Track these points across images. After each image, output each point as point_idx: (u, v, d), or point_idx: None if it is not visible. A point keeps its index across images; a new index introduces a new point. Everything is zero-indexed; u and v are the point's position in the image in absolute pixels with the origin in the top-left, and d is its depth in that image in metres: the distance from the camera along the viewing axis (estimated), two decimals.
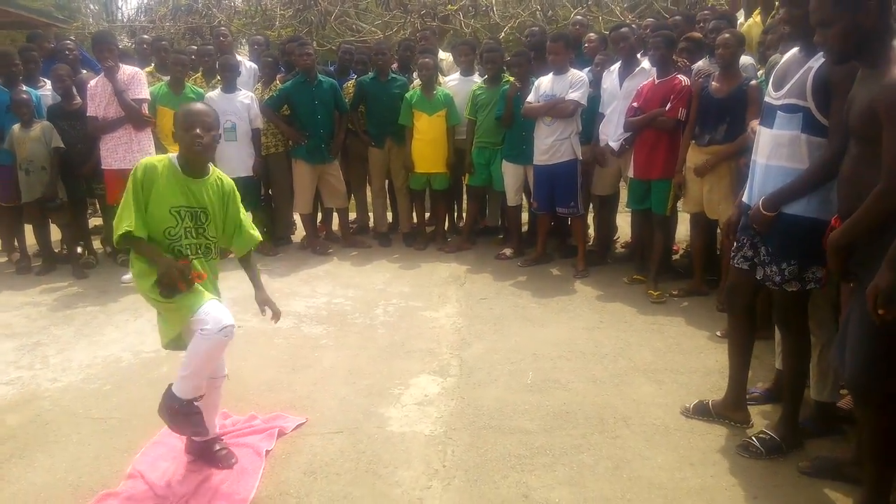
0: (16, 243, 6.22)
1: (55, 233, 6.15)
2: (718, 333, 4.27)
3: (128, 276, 5.60)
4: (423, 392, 3.65)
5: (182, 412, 2.74)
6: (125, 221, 2.69)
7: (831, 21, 2.37)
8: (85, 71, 6.40)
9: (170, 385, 2.80)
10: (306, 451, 3.10)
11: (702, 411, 3.33)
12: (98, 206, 6.45)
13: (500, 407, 3.46)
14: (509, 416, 3.37)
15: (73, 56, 6.37)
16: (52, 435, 3.27)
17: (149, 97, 5.66)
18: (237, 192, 3.03)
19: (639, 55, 5.48)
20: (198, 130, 2.73)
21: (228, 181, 2.97)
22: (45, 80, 6.10)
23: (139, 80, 5.54)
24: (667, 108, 4.90)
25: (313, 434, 3.25)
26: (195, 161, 2.82)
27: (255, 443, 3.13)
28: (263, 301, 3.23)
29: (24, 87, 5.74)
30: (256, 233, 3.15)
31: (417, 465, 2.97)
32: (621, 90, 5.38)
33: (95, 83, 5.54)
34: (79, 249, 6.13)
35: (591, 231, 6.41)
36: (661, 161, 5.01)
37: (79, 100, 5.80)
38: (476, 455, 3.04)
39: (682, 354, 4.08)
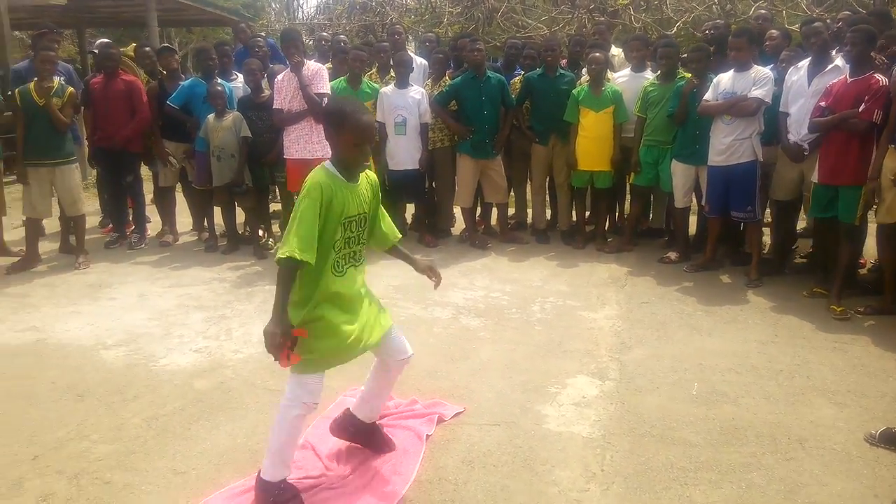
0: (205, 224, 6.81)
1: (240, 216, 6.66)
2: None
3: None
4: (581, 393, 3.60)
5: (275, 501, 2.63)
6: (302, 244, 2.48)
7: None
8: (273, 66, 6.87)
9: (258, 473, 2.71)
10: (464, 440, 3.16)
11: (890, 440, 3.04)
12: (278, 192, 6.89)
13: (662, 416, 3.34)
14: (672, 426, 3.25)
15: (262, 52, 6.85)
16: (234, 402, 3.56)
17: (330, 91, 5.98)
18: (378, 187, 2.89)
19: (832, 52, 5.07)
20: (368, 148, 2.64)
21: (373, 175, 2.85)
22: (238, 73, 6.61)
23: (322, 76, 5.87)
24: (860, 109, 4.50)
25: (471, 424, 3.30)
26: (357, 171, 2.69)
27: (416, 426, 3.23)
28: (424, 268, 3.06)
29: (219, 80, 6.25)
30: (395, 228, 3.04)
31: (575, 466, 2.94)
32: (809, 88, 5.01)
33: (282, 77, 5.94)
34: (260, 232, 6.60)
35: (767, 238, 6.02)
36: (851, 166, 4.61)
37: (267, 92, 6.23)
38: (636, 463, 2.96)
39: (867, 376, 3.75)
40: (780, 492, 2.75)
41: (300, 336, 2.58)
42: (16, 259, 6.07)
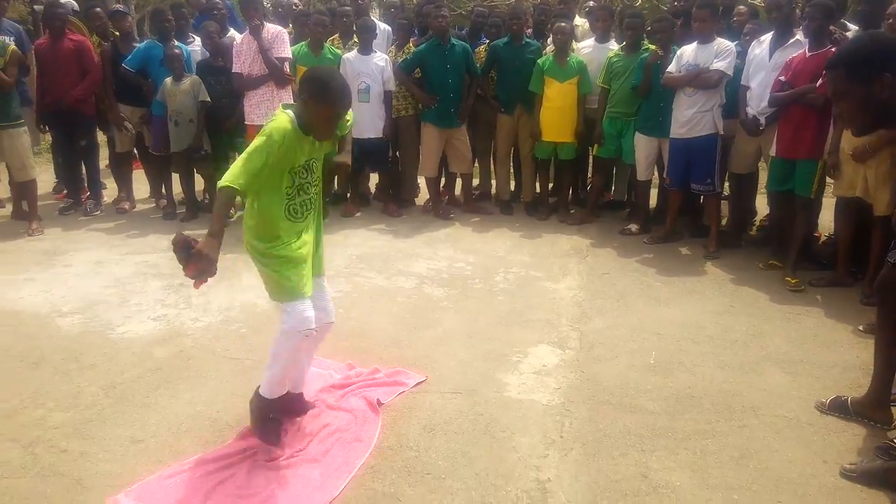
0: (163, 190, 6.66)
1: (199, 182, 6.53)
2: (861, 328, 4.00)
3: None
4: (542, 362, 3.64)
5: (261, 416, 2.89)
6: (240, 177, 2.55)
7: (845, 94, 2.19)
8: (231, 29, 6.70)
9: (258, 388, 2.93)
10: (426, 408, 3.17)
11: (839, 408, 3.14)
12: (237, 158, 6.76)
13: (620, 384, 3.40)
14: (630, 394, 3.31)
15: (221, 14, 6.67)
16: (194, 370, 3.52)
17: (291, 56, 5.86)
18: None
19: (795, 29, 5.12)
20: (337, 127, 2.74)
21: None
22: (195, 35, 6.43)
23: (283, 39, 5.75)
24: (818, 84, 4.56)
25: (433, 392, 3.32)
26: (318, 138, 2.75)
27: (376, 395, 3.24)
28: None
29: (176, 43, 6.08)
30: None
31: (535, 432, 2.98)
32: (770, 61, 5.05)
33: (241, 41, 5.80)
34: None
35: (725, 211, 6.12)
36: (808, 140, 4.69)
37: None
38: (595, 429, 3.01)
39: (819, 346, 3.85)
40: (732, 458, 2.83)
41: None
42: None
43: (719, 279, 4.91)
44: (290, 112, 2.72)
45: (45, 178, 7.11)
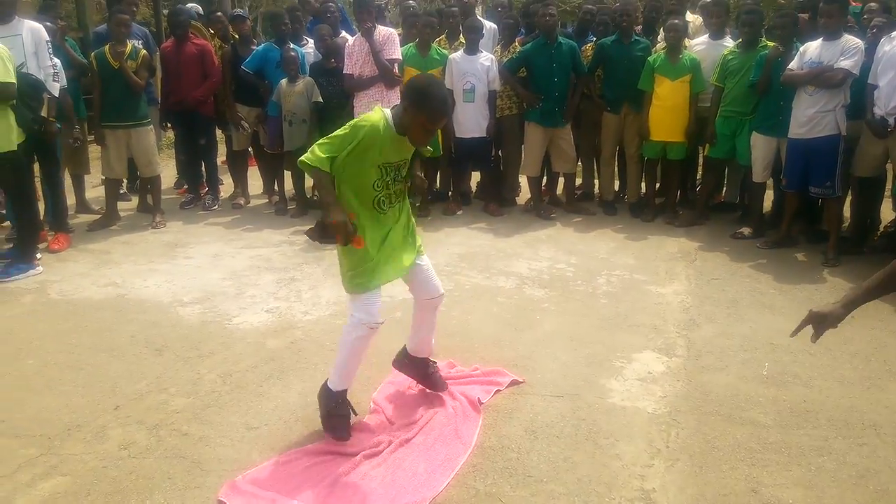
0: (275, 187, 6.95)
1: (309, 180, 6.74)
2: None
3: None
4: (647, 369, 3.57)
5: (329, 409, 2.97)
6: (318, 156, 2.71)
7: None
8: (344, 31, 6.89)
9: (326, 381, 3.01)
10: (527, 410, 3.18)
11: None
12: None
13: (730, 395, 3.29)
14: (741, 406, 3.19)
15: (333, 17, 6.87)
16: (305, 362, 3.66)
17: (401, 57, 5.98)
18: None
19: None
20: (434, 134, 2.84)
21: None
22: (309, 38, 6.66)
23: (394, 41, 5.88)
24: None
25: (534, 395, 3.32)
26: (413, 143, 2.85)
27: (474, 393, 3.27)
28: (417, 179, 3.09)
29: (292, 46, 6.32)
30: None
31: (639, 441, 2.93)
32: None
33: (353, 42, 5.96)
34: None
35: (847, 216, 5.79)
36: None
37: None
38: (702, 441, 2.93)
39: None
40: (851, 477, 2.69)
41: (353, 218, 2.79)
42: (97, 217, 6.33)
43: (839, 288, 4.64)
44: (387, 110, 2.82)
45: (167, 173, 7.55)
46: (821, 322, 2.44)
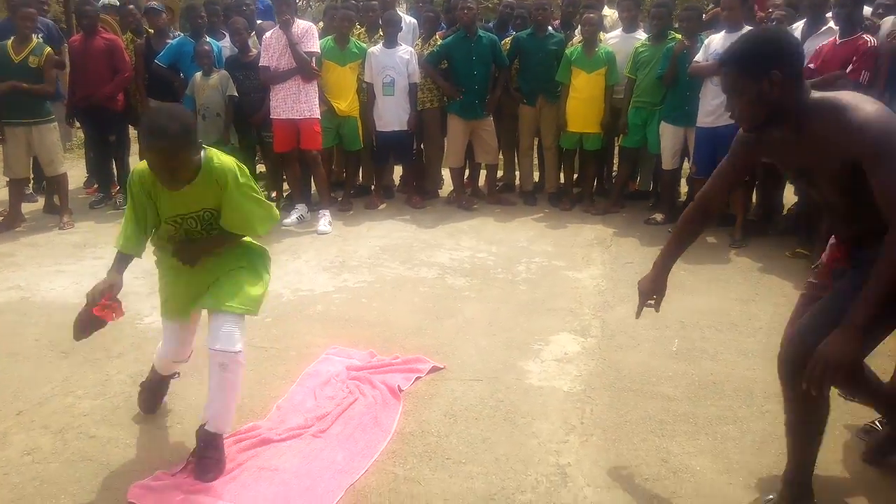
0: None
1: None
2: None
3: (289, 220, 5.99)
4: (563, 350, 3.64)
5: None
6: (121, 237, 2.64)
7: (738, 91, 2.21)
8: (260, 22, 6.75)
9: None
10: (447, 395, 3.20)
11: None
12: (262, 153, 6.80)
13: (642, 371, 3.39)
14: (652, 381, 3.30)
15: (249, 10, 6.75)
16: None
17: (319, 51, 5.91)
18: (240, 178, 2.59)
19: (827, 15, 5.03)
20: (162, 173, 2.43)
21: (223, 169, 2.54)
22: (226, 32, 6.51)
23: (312, 34, 5.81)
24: (848, 70, 4.48)
25: (454, 379, 3.34)
26: (165, 184, 2.50)
27: (395, 381, 3.27)
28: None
29: (207, 39, 6.16)
30: (263, 225, 2.75)
31: (555, 419, 2.99)
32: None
33: (270, 35, 5.86)
34: None
35: (753, 200, 6.05)
36: None
37: (254, 52, 6.15)
38: (615, 416, 3.01)
39: None
40: (754, 443, 2.81)
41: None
42: None
43: (745, 268, 4.86)
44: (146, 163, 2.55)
45: (76, 173, 7.25)
46: (652, 293, 2.64)
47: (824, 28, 4.91)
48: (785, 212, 6.02)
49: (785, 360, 2.31)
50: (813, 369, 2.06)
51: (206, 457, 2.61)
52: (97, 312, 2.54)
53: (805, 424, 2.35)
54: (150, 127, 2.37)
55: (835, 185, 2.19)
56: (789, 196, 5.99)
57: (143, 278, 4.72)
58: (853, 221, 2.25)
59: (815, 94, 2.17)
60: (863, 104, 2.06)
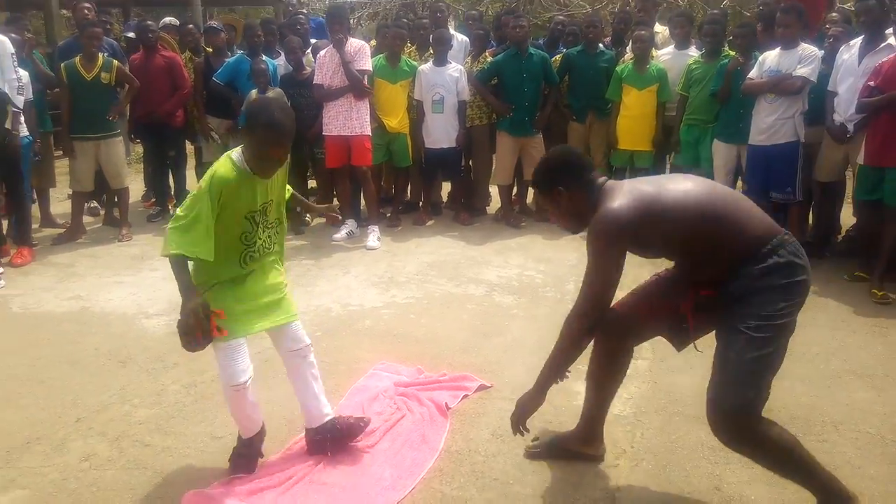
0: None
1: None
2: None
3: (339, 235, 6.07)
4: None
5: (238, 449, 2.80)
6: (187, 242, 2.44)
7: (546, 205, 2.61)
8: (315, 41, 6.88)
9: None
10: (494, 414, 3.18)
11: None
12: (313, 168, 6.92)
13: (694, 395, 3.29)
14: (704, 406, 3.21)
15: (303, 29, 6.89)
16: (271, 372, 3.62)
17: (371, 69, 6.00)
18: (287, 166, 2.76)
19: (887, 31, 4.90)
20: (273, 162, 2.52)
21: None
22: (282, 50, 6.66)
23: (364, 53, 5.90)
24: None
25: (502, 399, 3.32)
26: (263, 175, 2.56)
27: (441, 398, 3.28)
28: (322, 210, 3.18)
29: (263, 57, 6.31)
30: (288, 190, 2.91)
31: (605, 442, 2.94)
32: (860, 67, 4.86)
33: (324, 53, 5.98)
34: (297, 209, 6.65)
35: (810, 221, 5.89)
36: None
37: (308, 70, 6.27)
38: (666, 441, 2.96)
39: None
40: None
41: (218, 313, 2.52)
42: (62, 230, 6.25)
43: None
44: (233, 153, 2.56)
45: (134, 187, 7.47)
46: (532, 412, 2.67)
47: (883, 45, 4.79)
48: (843, 233, 5.86)
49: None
50: (512, 415, 2.68)
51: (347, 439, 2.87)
52: (215, 334, 2.52)
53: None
54: (273, 121, 2.43)
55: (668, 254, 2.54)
56: (848, 217, 5.82)
57: None
58: (695, 274, 2.47)
59: (606, 185, 2.45)
60: (612, 199, 2.34)
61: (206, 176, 2.51)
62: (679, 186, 2.38)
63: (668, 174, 2.63)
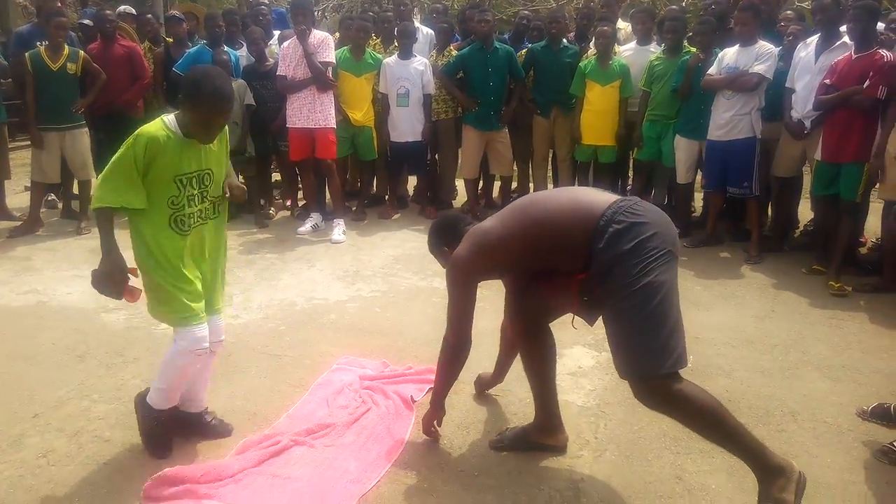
0: None
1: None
2: None
3: (304, 228, 6.02)
4: (577, 363, 3.63)
5: (148, 427, 2.79)
6: (111, 193, 2.52)
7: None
8: (281, 32, 6.80)
9: (143, 393, 2.84)
10: (460, 407, 3.19)
11: (881, 415, 3.05)
12: (277, 161, 6.85)
13: None
14: None
15: (265, 20, 6.81)
16: (233, 366, 3.59)
17: (335, 61, 5.95)
18: (227, 139, 2.85)
19: (842, 29, 5.02)
20: (217, 129, 2.63)
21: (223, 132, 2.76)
22: (244, 41, 6.57)
23: (328, 45, 5.85)
24: (865, 86, 4.47)
25: (466, 392, 3.33)
26: (200, 141, 2.64)
27: (408, 391, 3.28)
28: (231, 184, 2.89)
29: (225, 48, 6.22)
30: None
31: (569, 433, 2.96)
32: (816, 64, 4.97)
33: (287, 45, 5.91)
34: (261, 201, 6.60)
35: (769, 216, 6.02)
36: (854, 143, 4.60)
37: (271, 61, 6.20)
38: (629, 431, 3.00)
39: (862, 352, 3.77)
40: None
41: (132, 273, 2.66)
42: (18, 223, 6.09)
43: (760, 284, 4.83)
44: (167, 117, 2.62)
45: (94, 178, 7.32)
46: (426, 422, 2.90)
47: (838, 43, 4.90)
48: (801, 228, 5.99)
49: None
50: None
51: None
52: (128, 298, 2.68)
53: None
54: (215, 89, 2.52)
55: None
56: (805, 212, 5.96)
57: None
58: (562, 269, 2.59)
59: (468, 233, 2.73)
60: (462, 244, 2.66)
61: (132, 135, 2.56)
62: (505, 212, 2.63)
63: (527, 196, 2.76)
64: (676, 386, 2.33)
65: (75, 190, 6.38)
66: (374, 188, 7.07)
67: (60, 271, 5.04)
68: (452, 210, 3.21)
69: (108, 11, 6.58)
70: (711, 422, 2.36)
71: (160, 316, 2.76)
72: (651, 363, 2.30)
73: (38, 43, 5.99)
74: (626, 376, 2.40)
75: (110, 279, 2.60)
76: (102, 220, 2.60)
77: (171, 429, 2.85)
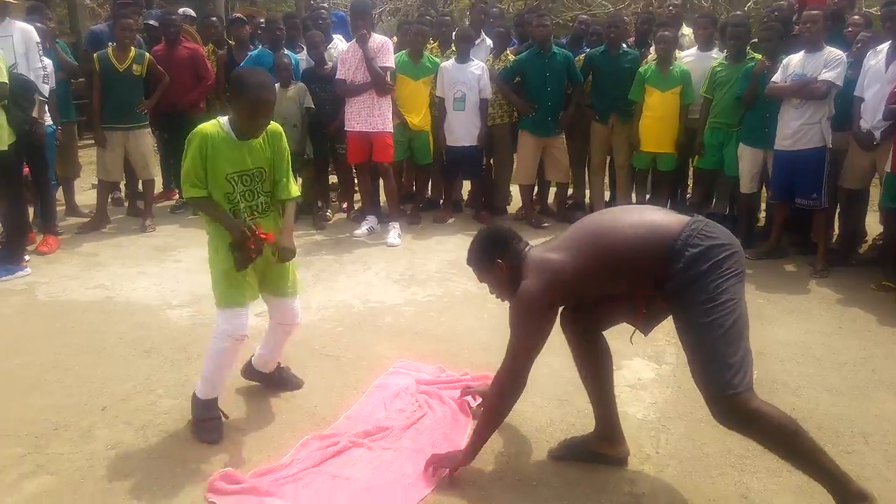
0: None
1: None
2: None
3: (360, 231, 6.08)
4: (637, 376, 3.58)
5: (198, 416, 3.00)
6: (192, 188, 2.82)
7: (485, 279, 2.85)
8: (335, 37, 6.89)
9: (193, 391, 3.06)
10: (517, 415, 3.14)
11: None
12: (334, 164, 6.92)
13: None
14: None
15: (325, 23, 6.89)
16: (293, 365, 3.62)
17: (393, 66, 5.99)
18: (285, 142, 3.01)
19: None
20: (261, 120, 2.82)
21: (277, 129, 2.96)
22: (304, 45, 6.67)
23: (387, 49, 5.89)
24: None
25: (524, 400, 3.21)
26: (248, 137, 2.87)
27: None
28: (280, 243, 3.00)
29: (286, 51, 6.32)
30: (296, 188, 3.16)
31: (629, 446, 2.92)
32: (887, 73, 4.80)
33: (347, 49, 5.98)
34: (319, 203, 6.68)
35: (836, 228, 5.83)
36: None
37: (330, 65, 6.28)
38: (692, 446, 2.94)
39: None
40: None
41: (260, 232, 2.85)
42: (86, 220, 6.29)
43: (827, 299, 4.68)
44: (221, 118, 2.88)
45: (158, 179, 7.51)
46: (447, 463, 2.71)
47: None
48: (870, 241, 5.79)
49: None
50: (437, 459, 2.72)
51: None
52: (264, 237, 2.85)
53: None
54: (259, 82, 2.76)
55: None
56: (873, 225, 5.76)
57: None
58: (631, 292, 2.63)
59: (528, 258, 2.65)
60: (530, 276, 2.54)
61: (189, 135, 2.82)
62: (574, 242, 2.55)
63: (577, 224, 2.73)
64: (754, 403, 2.30)
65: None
66: (430, 192, 7.09)
67: (126, 268, 5.19)
68: (498, 224, 3.21)
69: (173, 17, 6.75)
70: (790, 440, 2.32)
71: (215, 295, 2.99)
72: (730, 379, 2.27)
73: (108, 43, 6.18)
74: (706, 392, 2.38)
75: (242, 240, 2.78)
76: (197, 207, 3.01)
77: (219, 416, 3.03)
